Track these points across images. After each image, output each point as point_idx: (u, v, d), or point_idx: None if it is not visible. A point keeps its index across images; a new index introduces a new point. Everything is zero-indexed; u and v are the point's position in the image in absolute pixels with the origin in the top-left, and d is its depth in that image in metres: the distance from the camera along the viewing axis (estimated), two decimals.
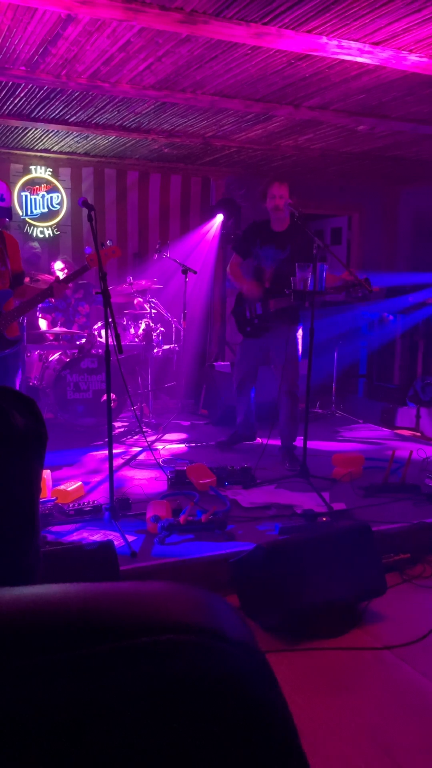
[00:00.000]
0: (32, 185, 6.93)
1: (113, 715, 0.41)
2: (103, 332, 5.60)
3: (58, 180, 7.04)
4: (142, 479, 4.43)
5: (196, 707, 0.42)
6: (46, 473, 4.04)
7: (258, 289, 4.61)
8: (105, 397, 5.11)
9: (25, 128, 5.78)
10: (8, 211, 3.91)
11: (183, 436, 5.73)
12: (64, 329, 5.83)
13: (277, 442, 4.83)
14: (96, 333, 5.69)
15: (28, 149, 6.63)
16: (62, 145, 6.50)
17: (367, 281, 4.14)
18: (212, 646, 0.44)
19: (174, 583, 0.51)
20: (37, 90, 4.72)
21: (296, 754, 0.47)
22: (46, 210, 6.99)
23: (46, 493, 3.80)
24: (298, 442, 4.62)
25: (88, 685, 0.42)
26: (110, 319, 3.28)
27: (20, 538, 0.84)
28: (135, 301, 6.31)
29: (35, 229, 6.95)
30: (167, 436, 5.67)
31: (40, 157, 6.84)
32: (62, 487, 3.91)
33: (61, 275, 5.76)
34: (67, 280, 3.95)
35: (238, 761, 0.43)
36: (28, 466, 0.81)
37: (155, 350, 6.15)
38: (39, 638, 0.43)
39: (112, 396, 4.70)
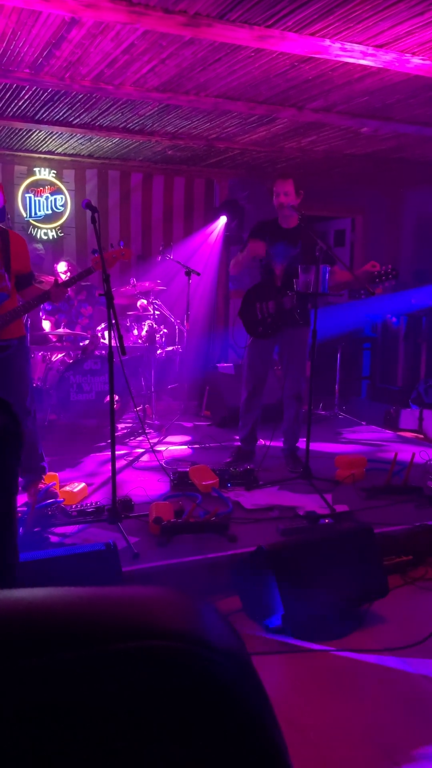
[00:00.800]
0: (36, 187, 6.95)
1: (94, 721, 0.41)
2: (106, 333, 5.61)
3: (62, 182, 7.06)
4: (144, 480, 4.43)
5: (178, 715, 0.42)
6: (54, 476, 4.04)
7: (261, 248, 4.46)
8: (108, 398, 5.12)
9: (29, 130, 5.80)
10: (1, 212, 3.81)
11: (186, 437, 5.73)
12: (68, 330, 5.84)
13: (279, 444, 4.83)
14: (99, 334, 5.70)
15: (32, 151, 6.65)
16: (66, 147, 6.52)
17: (394, 269, 4.15)
18: (197, 653, 0.44)
19: (163, 589, 0.51)
20: (41, 92, 4.73)
21: (284, 764, 0.47)
22: (49, 212, 7.01)
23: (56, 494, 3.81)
24: (301, 443, 4.62)
25: (69, 690, 0.42)
26: (113, 321, 3.29)
27: None
28: (138, 303, 6.32)
29: (39, 230, 6.97)
30: (170, 438, 5.68)
31: (44, 158, 6.86)
32: (68, 488, 3.92)
33: (64, 277, 5.75)
34: (66, 284, 3.86)
35: None
36: (4, 462, 0.82)
37: (158, 352, 6.16)
38: (19, 642, 0.43)
39: (115, 397, 4.71)
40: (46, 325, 6.08)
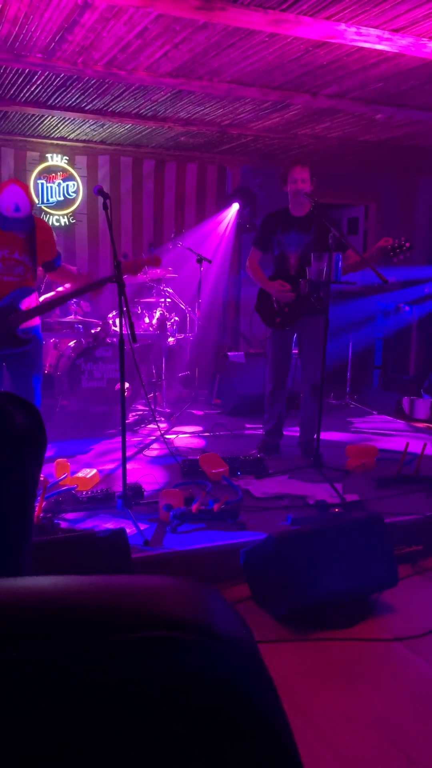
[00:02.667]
0: (48, 173, 6.94)
1: (99, 710, 0.41)
2: (117, 321, 5.61)
3: (74, 168, 7.04)
4: (154, 468, 4.44)
5: (184, 705, 0.42)
6: (65, 464, 4.06)
7: (287, 287, 4.44)
8: (119, 385, 5.12)
9: (42, 116, 5.78)
10: (23, 222, 3.61)
11: (196, 425, 5.73)
12: (79, 317, 5.84)
13: (294, 434, 4.82)
14: (110, 321, 5.70)
15: (44, 137, 6.63)
16: (78, 133, 6.49)
17: (407, 240, 4.12)
18: (204, 644, 0.44)
19: (171, 578, 0.51)
20: (53, 77, 4.71)
21: (288, 756, 0.47)
22: (62, 198, 7.00)
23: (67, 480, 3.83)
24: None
25: (77, 678, 0.41)
26: (124, 308, 3.28)
27: (11, 534, 0.84)
28: (148, 288, 6.30)
29: (51, 217, 6.96)
30: (180, 426, 5.68)
31: (57, 145, 6.84)
32: (80, 474, 3.93)
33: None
34: (95, 285, 3.73)
35: (228, 761, 0.43)
36: (23, 466, 0.82)
37: (169, 339, 6.16)
38: (26, 630, 0.43)
39: (126, 385, 4.71)
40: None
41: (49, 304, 3.84)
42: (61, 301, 3.91)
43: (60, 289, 4.11)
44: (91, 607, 0.46)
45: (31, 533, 0.87)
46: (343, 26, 3.63)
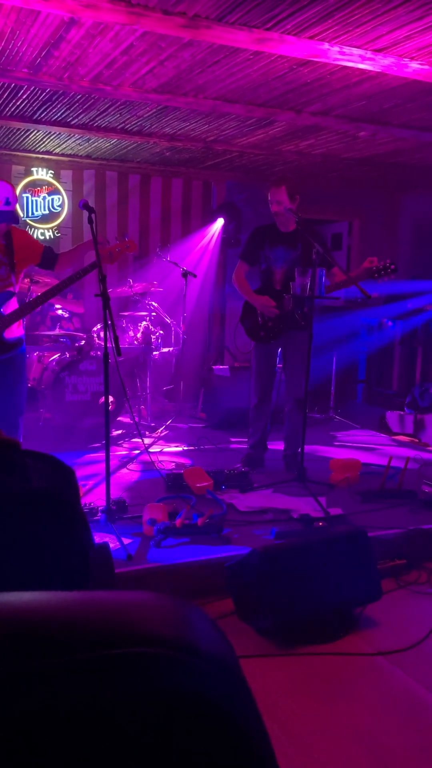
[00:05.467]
0: (33, 187, 6.94)
1: (76, 727, 0.41)
2: (102, 334, 5.60)
3: (59, 182, 7.05)
4: (138, 482, 4.42)
5: (165, 721, 0.42)
6: None
7: (272, 302, 4.47)
8: (103, 399, 5.11)
9: (27, 130, 5.80)
10: (13, 216, 3.70)
11: (181, 439, 5.72)
12: (63, 331, 5.83)
13: (279, 447, 4.83)
14: (95, 335, 5.70)
15: (29, 151, 6.64)
16: (64, 148, 6.51)
17: (392, 263, 4.19)
18: (184, 660, 0.44)
19: (153, 594, 0.51)
20: (39, 92, 4.73)
21: None
22: (47, 212, 7.00)
23: None
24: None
25: (56, 694, 0.41)
26: (109, 322, 3.28)
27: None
28: (133, 301, 6.31)
29: (36, 230, 6.96)
30: (165, 440, 5.67)
31: (42, 159, 6.85)
32: None
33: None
34: (81, 273, 3.71)
35: None
36: (40, 526, 0.76)
37: (154, 353, 6.16)
38: (4, 646, 0.43)
39: (111, 398, 4.70)
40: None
41: (31, 304, 3.77)
42: (43, 298, 3.83)
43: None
44: (72, 623, 0.45)
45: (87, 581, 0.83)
46: (326, 45, 3.68)
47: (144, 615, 0.48)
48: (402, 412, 6.41)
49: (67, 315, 6.16)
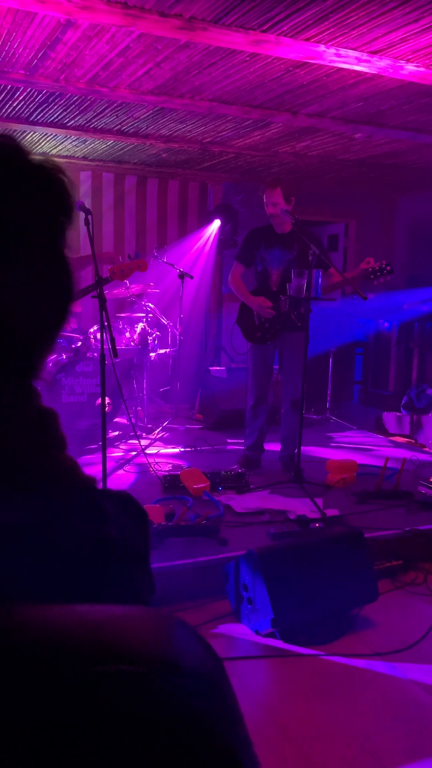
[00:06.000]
0: None
1: (58, 742, 0.40)
2: (98, 335, 5.60)
3: None
4: (135, 483, 4.42)
5: (143, 741, 0.41)
6: None
7: (268, 303, 4.48)
8: (99, 400, 5.11)
9: (24, 132, 5.79)
10: None
11: (177, 440, 5.72)
12: (61, 333, 5.82)
13: (276, 448, 4.83)
14: (91, 336, 5.69)
15: None
16: (60, 149, 6.51)
17: (388, 264, 4.20)
18: (165, 680, 0.43)
19: (136, 608, 0.50)
20: (35, 94, 4.73)
21: None
22: None
23: None
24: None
25: (34, 712, 0.41)
26: (106, 323, 3.28)
27: None
28: (130, 303, 6.31)
29: None
30: (161, 441, 5.67)
31: None
32: None
33: None
34: (84, 291, 3.73)
35: None
36: (110, 579, 0.72)
37: (151, 354, 6.16)
38: None
39: (107, 400, 4.69)
40: None
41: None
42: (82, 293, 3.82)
43: None
44: (55, 639, 0.45)
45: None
46: (322, 47, 3.69)
47: (127, 631, 0.47)
48: (399, 413, 6.42)
49: None
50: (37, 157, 0.74)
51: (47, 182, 0.74)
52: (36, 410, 0.72)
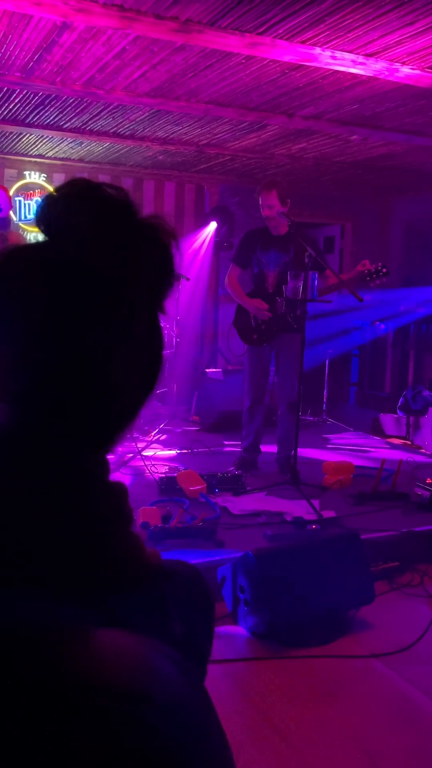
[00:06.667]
0: (26, 190, 6.94)
1: None
2: None
3: (52, 186, 7.04)
4: (131, 485, 4.42)
5: None
6: None
7: (264, 305, 4.48)
8: None
9: (20, 133, 5.79)
10: (5, 222, 3.71)
11: (174, 442, 5.72)
12: None
13: (272, 450, 4.83)
14: None
15: (22, 154, 6.64)
16: (57, 151, 6.51)
17: (384, 266, 4.21)
18: (134, 714, 0.43)
19: (120, 635, 0.50)
20: (32, 96, 4.73)
21: None
22: None
23: None
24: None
25: (11, 743, 0.41)
26: None
27: None
28: None
29: (29, 234, 6.95)
30: (158, 443, 5.67)
31: (35, 162, 6.85)
32: None
33: None
34: None
35: None
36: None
37: None
38: None
39: None
40: None
41: None
42: None
43: None
44: (35, 666, 0.45)
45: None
46: (318, 50, 3.70)
47: (105, 662, 0.47)
48: (394, 415, 6.43)
49: None
50: (149, 219, 0.72)
51: (155, 246, 0.71)
52: (108, 485, 0.69)
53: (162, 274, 0.72)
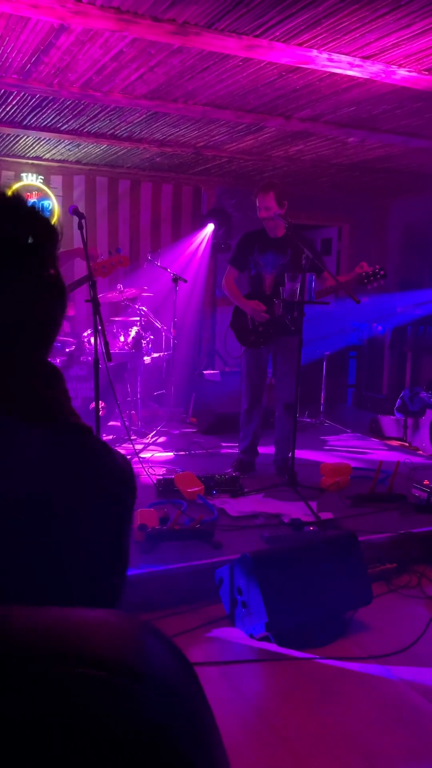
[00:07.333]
0: (23, 192, 6.93)
1: (11, 746, 0.40)
2: (92, 339, 5.59)
3: (49, 187, 7.04)
4: None
5: (103, 751, 0.41)
6: None
7: (262, 307, 4.49)
8: (93, 404, 5.10)
9: (17, 135, 5.79)
10: None
11: (171, 444, 5.72)
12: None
13: (269, 451, 4.83)
14: (85, 340, 5.69)
15: (19, 156, 6.64)
16: (54, 153, 6.51)
17: (382, 269, 4.21)
18: (124, 686, 0.43)
19: (110, 612, 0.50)
20: (29, 98, 4.73)
21: None
22: None
23: None
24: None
25: None
26: (99, 327, 3.28)
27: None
28: (123, 307, 6.31)
29: None
30: (155, 445, 5.67)
31: (32, 164, 6.85)
32: None
33: None
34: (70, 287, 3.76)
35: None
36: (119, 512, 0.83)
37: (145, 358, 6.16)
38: None
39: (101, 404, 4.68)
40: None
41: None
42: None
43: None
44: (13, 638, 0.45)
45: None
46: (315, 52, 3.70)
47: (93, 634, 0.47)
48: (392, 416, 6.43)
49: None
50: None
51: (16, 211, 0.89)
52: (50, 365, 0.87)
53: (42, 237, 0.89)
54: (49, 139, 5.88)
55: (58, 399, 0.86)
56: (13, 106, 4.93)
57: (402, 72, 3.93)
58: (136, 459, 4.89)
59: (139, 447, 5.40)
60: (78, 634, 0.46)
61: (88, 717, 0.41)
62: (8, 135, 5.77)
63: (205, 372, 6.96)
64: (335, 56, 3.75)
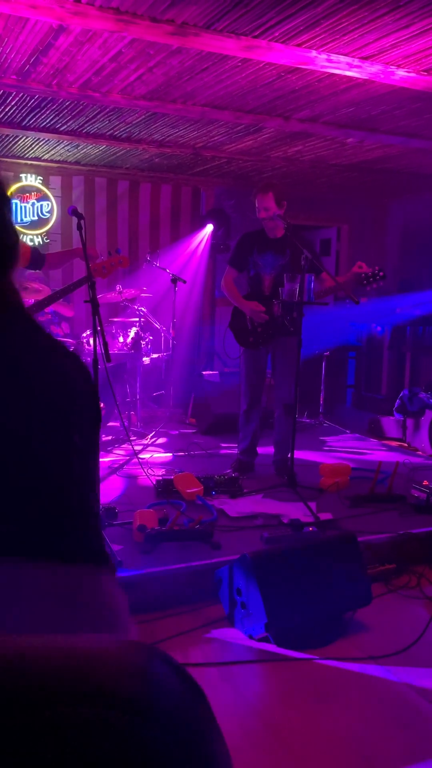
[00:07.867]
0: (22, 193, 6.94)
1: None
2: (91, 340, 5.59)
3: (48, 188, 7.04)
4: (128, 488, 4.41)
5: None
6: None
7: (261, 308, 4.48)
8: None
9: (16, 136, 5.79)
10: None
11: (171, 445, 5.72)
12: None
13: (269, 452, 4.83)
14: (84, 341, 5.69)
15: (18, 157, 6.64)
16: (53, 154, 6.51)
17: (381, 270, 4.20)
18: (135, 724, 0.42)
19: (119, 640, 0.49)
20: (28, 99, 4.73)
21: None
22: (35, 218, 6.99)
23: None
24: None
25: (6, 752, 0.40)
26: (99, 327, 3.28)
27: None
28: (123, 307, 6.31)
29: (25, 237, 6.94)
30: (155, 445, 5.67)
31: (31, 165, 6.85)
32: None
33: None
34: (66, 290, 3.75)
35: None
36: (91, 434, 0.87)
37: (144, 358, 6.16)
38: None
39: (100, 404, 4.68)
40: None
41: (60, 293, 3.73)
42: (37, 307, 3.82)
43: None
44: (29, 673, 0.44)
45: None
46: (314, 53, 3.70)
47: (103, 668, 0.46)
48: (391, 417, 6.43)
49: (56, 319, 6.15)
50: None
51: None
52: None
53: None
54: (48, 139, 5.88)
55: (16, 293, 0.87)
56: (12, 106, 4.93)
57: (401, 72, 3.93)
58: (135, 460, 4.88)
59: (138, 448, 5.39)
60: (87, 668, 0.46)
61: (99, 757, 0.41)
62: (7, 136, 5.77)
63: (204, 372, 6.97)
64: (334, 57, 3.75)
